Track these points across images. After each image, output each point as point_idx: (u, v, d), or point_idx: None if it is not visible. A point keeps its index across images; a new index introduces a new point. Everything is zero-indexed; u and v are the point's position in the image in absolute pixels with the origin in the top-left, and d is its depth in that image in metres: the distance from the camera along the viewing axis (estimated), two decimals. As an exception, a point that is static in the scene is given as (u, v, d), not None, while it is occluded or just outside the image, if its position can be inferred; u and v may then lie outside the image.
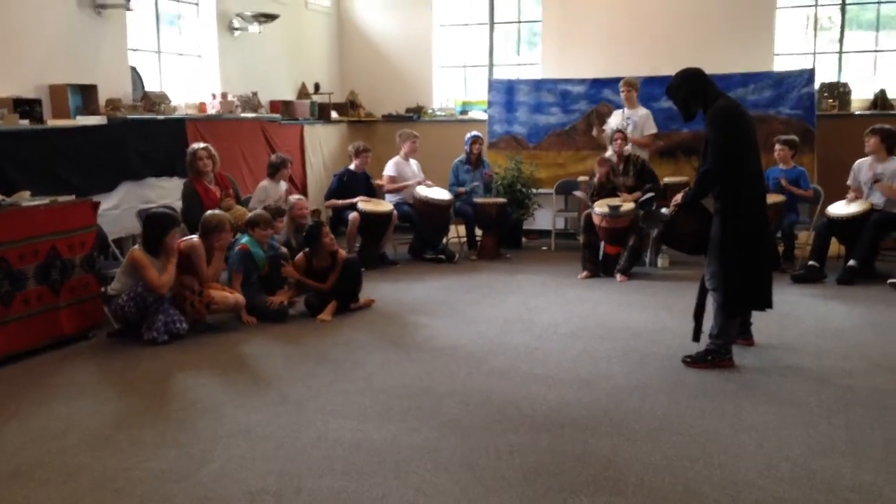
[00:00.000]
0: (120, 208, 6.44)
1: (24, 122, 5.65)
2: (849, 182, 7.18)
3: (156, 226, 5.33)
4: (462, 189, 8.34)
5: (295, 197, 6.87)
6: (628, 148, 7.61)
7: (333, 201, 7.89)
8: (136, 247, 5.36)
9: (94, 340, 5.37)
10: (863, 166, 7.11)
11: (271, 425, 3.79)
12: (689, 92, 4.65)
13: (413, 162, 8.43)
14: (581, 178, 8.59)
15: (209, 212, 5.74)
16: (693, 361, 4.63)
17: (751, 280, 4.55)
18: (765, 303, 4.68)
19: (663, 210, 5.13)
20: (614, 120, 8.21)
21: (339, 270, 5.98)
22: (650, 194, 7.23)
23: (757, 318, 4.97)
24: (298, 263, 6.05)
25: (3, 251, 4.78)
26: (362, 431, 3.70)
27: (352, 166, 8.04)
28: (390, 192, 8.21)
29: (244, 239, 5.88)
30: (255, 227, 5.89)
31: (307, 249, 6.05)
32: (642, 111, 8.17)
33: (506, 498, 3.05)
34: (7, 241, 4.81)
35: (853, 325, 5.52)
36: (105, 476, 3.28)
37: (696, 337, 4.75)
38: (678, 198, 4.89)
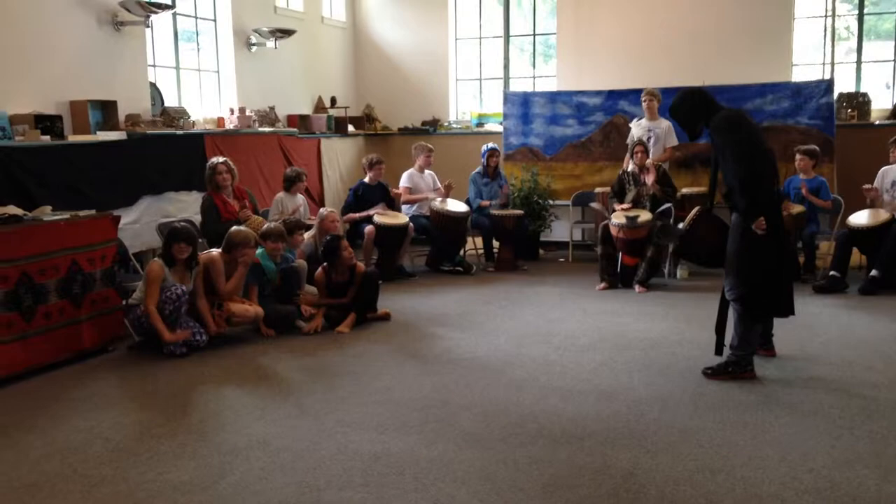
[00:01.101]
0: (140, 222, 6.51)
1: (46, 138, 5.73)
2: (875, 185, 7.07)
3: (166, 237, 5.39)
4: (485, 202, 8.33)
5: (326, 210, 6.87)
6: (649, 160, 7.56)
7: (351, 215, 7.91)
8: (156, 259, 5.39)
9: (115, 353, 5.40)
10: (889, 172, 7.04)
11: (290, 437, 3.79)
12: (691, 110, 4.63)
13: (428, 174, 8.44)
14: (598, 190, 8.57)
15: (235, 227, 5.76)
16: (714, 373, 4.59)
17: (769, 285, 4.50)
18: (786, 309, 4.62)
19: (679, 225, 5.12)
20: (636, 130, 8.19)
21: (360, 283, 5.99)
22: (667, 205, 7.23)
23: (779, 328, 4.93)
24: (318, 278, 6.07)
25: (25, 265, 4.82)
26: (381, 443, 3.70)
27: (366, 179, 8.07)
28: (407, 203, 8.23)
29: (256, 251, 5.90)
30: (267, 239, 5.90)
31: (325, 264, 6.06)
32: (664, 123, 8.11)
33: (525, 510, 3.03)
34: (28, 255, 4.85)
35: (876, 335, 5.46)
36: (126, 488, 3.29)
37: (719, 350, 4.71)
38: (694, 213, 4.87)
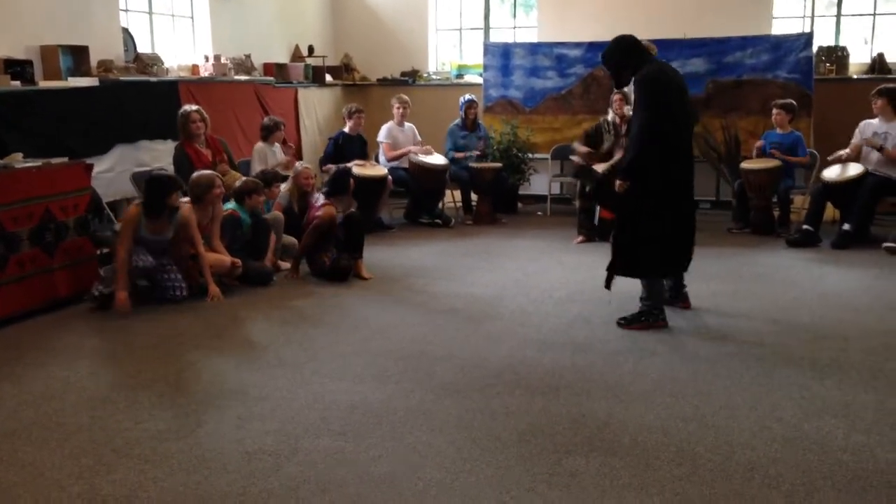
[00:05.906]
0: (114, 171, 6.40)
1: (16, 84, 5.60)
2: (854, 140, 7.09)
3: (160, 187, 5.27)
4: (460, 154, 8.29)
5: (301, 164, 6.81)
6: (628, 108, 7.51)
7: (329, 166, 7.84)
8: (136, 202, 5.29)
9: (91, 303, 5.36)
10: (869, 126, 7.03)
11: (268, 387, 3.81)
12: (621, 58, 4.61)
13: (408, 126, 8.36)
14: (577, 144, 8.53)
15: (196, 174, 5.67)
16: (627, 323, 4.70)
17: (658, 245, 4.56)
18: (675, 267, 4.69)
19: (598, 168, 5.13)
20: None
21: (349, 225, 5.96)
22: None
23: (752, 282, 5.00)
24: (328, 215, 5.88)
25: (-3, 213, 4.76)
26: (358, 393, 3.72)
27: (346, 129, 7.99)
28: (392, 159, 8.14)
29: (232, 205, 5.83)
30: (253, 193, 5.82)
31: (332, 198, 5.98)
32: None
33: (501, 458, 3.07)
34: (0, 203, 4.77)
35: (848, 288, 5.55)
36: (103, 436, 3.29)
37: (607, 284, 4.80)
38: (613, 161, 4.90)
